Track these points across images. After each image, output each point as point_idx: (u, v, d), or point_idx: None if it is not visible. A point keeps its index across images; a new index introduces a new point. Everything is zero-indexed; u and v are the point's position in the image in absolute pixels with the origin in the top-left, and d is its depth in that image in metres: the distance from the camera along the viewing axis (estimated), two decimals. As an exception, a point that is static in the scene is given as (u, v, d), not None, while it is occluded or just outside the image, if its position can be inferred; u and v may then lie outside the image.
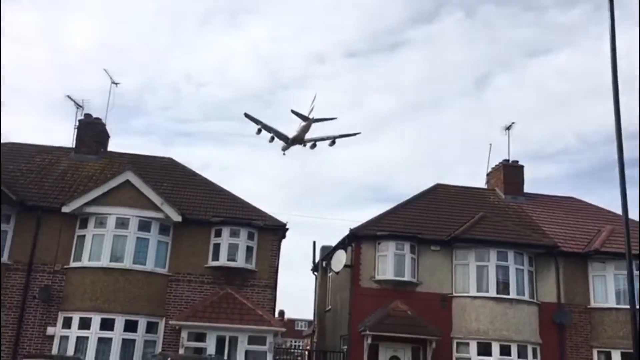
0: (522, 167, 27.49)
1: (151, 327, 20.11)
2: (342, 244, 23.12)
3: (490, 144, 30.73)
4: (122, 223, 20.30)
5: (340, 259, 22.64)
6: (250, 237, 21.25)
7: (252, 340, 19.48)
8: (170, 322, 19.82)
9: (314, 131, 36.47)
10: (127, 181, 20.72)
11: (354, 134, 36.32)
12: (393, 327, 20.57)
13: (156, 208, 20.57)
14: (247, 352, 19.36)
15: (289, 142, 36.80)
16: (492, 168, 28.33)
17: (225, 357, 18.84)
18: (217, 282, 20.67)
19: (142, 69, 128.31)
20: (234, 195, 23.45)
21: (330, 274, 25.73)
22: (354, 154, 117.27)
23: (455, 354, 21.05)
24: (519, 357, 20.98)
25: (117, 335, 19.35)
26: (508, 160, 27.60)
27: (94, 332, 19.25)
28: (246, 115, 35.49)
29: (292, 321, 71.49)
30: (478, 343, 20.88)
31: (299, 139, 36.48)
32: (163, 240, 20.91)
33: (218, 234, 21.07)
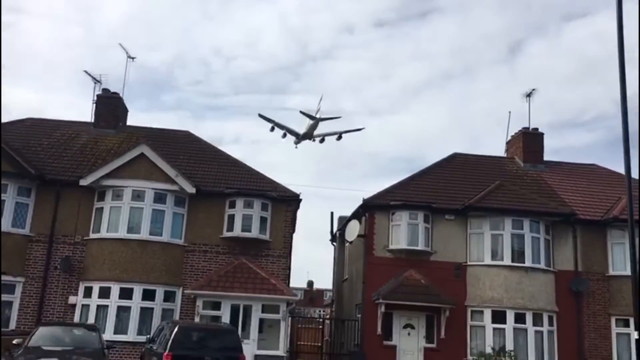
0: (541, 134, 26.99)
1: (169, 296, 20.65)
2: (356, 214, 23.42)
3: (510, 112, 30.46)
4: (137, 195, 20.72)
5: (353, 229, 22.78)
6: (264, 208, 21.57)
7: (265, 309, 19.95)
8: (186, 292, 20.22)
9: (322, 127, 41.60)
10: (142, 154, 21.09)
11: (359, 130, 40.26)
12: (407, 295, 20.77)
13: (171, 180, 20.93)
14: (261, 320, 19.89)
15: (299, 138, 41.76)
16: (512, 136, 27.96)
17: (240, 325, 19.49)
18: (231, 252, 21.10)
19: (172, 44, 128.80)
20: (249, 167, 23.75)
21: (347, 244, 25.78)
22: (385, 125, 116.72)
23: (469, 322, 21.28)
24: (534, 324, 21.11)
25: (135, 303, 20.00)
26: (528, 128, 27.10)
27: (114, 301, 19.90)
28: (260, 115, 38.51)
29: (321, 291, 72.08)
30: (492, 311, 20.98)
31: (309, 135, 41.30)
32: (178, 212, 21.31)
33: (232, 205, 21.45)
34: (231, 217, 21.33)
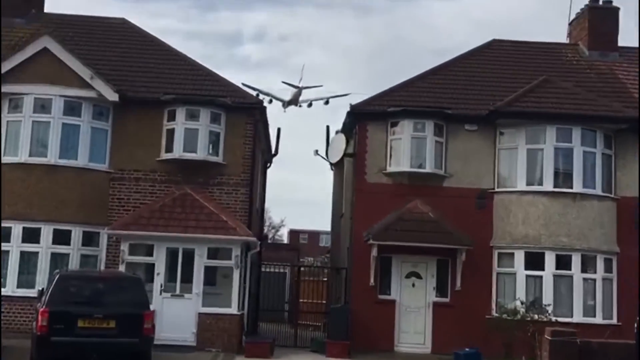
0: (615, 10, 25.61)
1: (90, 239, 20.64)
2: (345, 128, 23.41)
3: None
4: (42, 105, 20.41)
5: (337, 145, 22.78)
6: (215, 119, 21.23)
7: (214, 254, 19.82)
8: (103, 231, 20.14)
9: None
10: (46, 50, 20.58)
11: (345, 95, 46.72)
12: (409, 234, 20.61)
13: (86, 85, 20.53)
14: (211, 269, 19.82)
15: (284, 105, 53.11)
16: (576, 14, 26.82)
17: (179, 275, 19.51)
18: (173, 181, 21.06)
19: None
20: (200, 66, 23.36)
21: (345, 168, 25.49)
22: (464, 9, 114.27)
23: (495, 268, 21.26)
24: (583, 271, 20.88)
25: (44, 249, 20.01)
26: (597, 1, 25.84)
27: (15, 246, 19.89)
28: (244, 84, 44.31)
29: (316, 234, 72.90)
30: (526, 253, 20.94)
31: (294, 101, 52.94)
32: (99, 126, 21.06)
33: (172, 117, 21.14)
34: (170, 133, 21.05)
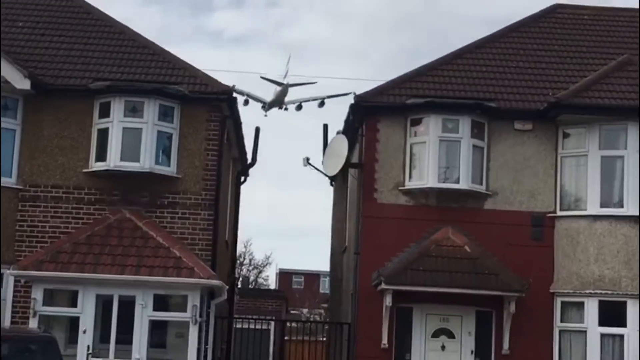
0: None
1: (-11, 281, 20.14)
2: (348, 127, 23.57)
3: None
4: None
5: (337, 153, 22.67)
6: (166, 115, 21.25)
7: (162, 304, 19.86)
8: (8, 272, 19.93)
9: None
10: None
11: (346, 94, 45.03)
12: (435, 275, 20.49)
13: (-14, 69, 20.16)
14: (154, 325, 19.73)
15: (265, 107, 54.29)
16: None
17: (113, 332, 19.29)
18: (107, 201, 21.06)
19: None
20: (149, 42, 23.62)
21: (349, 185, 25.46)
22: None
23: (558, 323, 21.23)
24: None
25: None
26: None
27: None
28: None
29: (314, 276, 74.38)
30: (601, 302, 20.87)
31: (278, 103, 53.82)
32: (4, 125, 20.79)
33: (105, 111, 21.13)
34: (103, 135, 21.06)
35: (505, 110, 21.71)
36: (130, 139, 20.93)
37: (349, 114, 22.86)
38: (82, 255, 19.65)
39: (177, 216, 21.15)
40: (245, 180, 27.63)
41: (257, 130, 25.88)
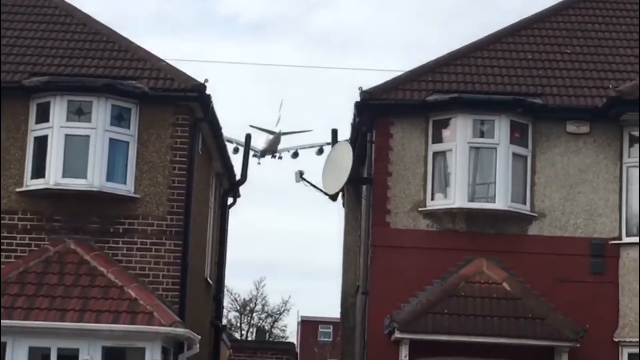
0: None
1: None
2: (354, 131, 23.52)
3: None
4: None
5: (339, 164, 22.10)
6: (120, 119, 21.14)
7: (112, 358, 19.64)
8: None
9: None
10: None
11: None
12: (465, 321, 20.18)
13: None
14: None
15: (259, 155, 60.19)
16: None
17: None
18: (45, 228, 20.91)
19: None
20: (104, 28, 23.45)
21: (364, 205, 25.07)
22: None
23: None
24: None
25: None
26: None
27: None
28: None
29: (314, 324, 76.33)
30: None
31: (271, 151, 60.13)
32: None
33: (44, 115, 20.95)
34: (41, 144, 20.88)
35: (554, 109, 21.54)
36: (75, 149, 20.79)
37: (355, 114, 22.79)
38: (12, 298, 19.41)
39: (136, 247, 20.89)
40: (235, 202, 27.58)
41: (247, 138, 25.87)
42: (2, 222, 20.79)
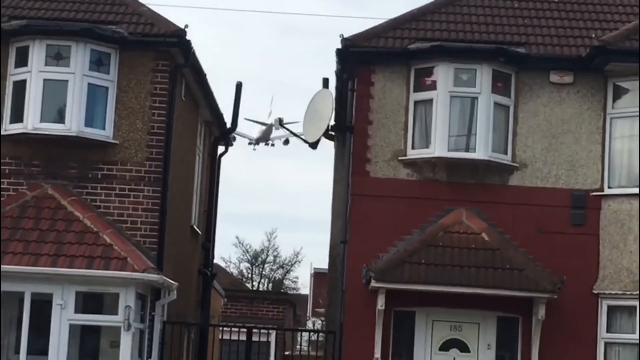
0: None
1: None
2: (339, 78, 23.38)
3: None
4: None
5: (319, 112, 22.17)
6: (99, 64, 21.11)
7: (89, 304, 19.73)
8: None
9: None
10: None
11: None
12: (444, 271, 20.18)
13: None
14: (77, 331, 19.72)
15: (254, 143, 66.20)
16: None
17: (24, 340, 19.11)
18: (23, 173, 21.01)
19: None
20: None
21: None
22: None
23: (603, 334, 20.76)
24: None
25: None
26: None
27: None
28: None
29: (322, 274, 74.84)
30: None
31: (264, 140, 66.34)
32: None
33: (22, 59, 20.97)
34: (20, 89, 20.88)
35: (537, 58, 21.36)
36: (54, 94, 20.80)
37: (337, 63, 22.69)
38: None
39: (114, 193, 20.97)
40: (226, 150, 27.53)
41: (239, 86, 25.66)
42: (-19, 167, 21.17)
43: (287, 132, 59.72)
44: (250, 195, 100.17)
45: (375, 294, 19.96)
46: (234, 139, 56.69)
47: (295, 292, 72.90)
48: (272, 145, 67.63)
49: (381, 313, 19.96)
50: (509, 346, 20.76)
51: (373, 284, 19.78)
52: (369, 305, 20.23)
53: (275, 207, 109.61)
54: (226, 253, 79.59)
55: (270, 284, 78.83)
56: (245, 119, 62.97)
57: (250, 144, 66.35)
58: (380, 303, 19.84)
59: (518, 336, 20.64)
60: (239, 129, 49.05)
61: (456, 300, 20.11)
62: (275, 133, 66.62)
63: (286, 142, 67.42)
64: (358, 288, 20.62)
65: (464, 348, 20.63)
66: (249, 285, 73.93)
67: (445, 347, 20.64)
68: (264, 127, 65.20)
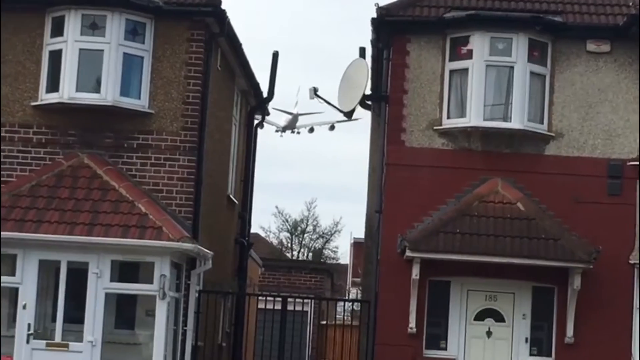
0: None
1: None
2: (373, 48, 23.22)
3: None
4: None
5: (354, 81, 22.13)
6: (134, 34, 21.02)
7: (125, 273, 19.72)
8: None
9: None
10: None
11: (355, 119, 48.38)
12: (479, 241, 20.15)
13: None
14: (113, 299, 19.74)
15: (281, 130, 68.06)
16: None
17: (61, 308, 19.19)
18: (59, 142, 20.98)
19: None
20: None
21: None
22: None
23: (638, 303, 20.65)
24: None
25: None
26: None
27: None
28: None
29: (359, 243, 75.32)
30: None
31: (290, 127, 68.37)
32: None
33: (58, 29, 20.86)
34: (56, 59, 20.79)
35: (574, 27, 21.21)
36: (89, 63, 20.69)
37: (372, 33, 22.55)
38: (23, 211, 19.50)
39: (149, 162, 20.94)
40: (263, 119, 27.80)
41: (275, 56, 25.46)
42: (18, 135, 21.00)
43: (315, 111, 61.36)
44: (290, 164, 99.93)
45: (410, 263, 19.99)
46: (269, 113, 58.42)
47: (334, 261, 72.66)
48: (298, 133, 70.10)
49: (416, 283, 20.01)
50: (544, 316, 20.69)
51: (408, 253, 19.84)
52: (404, 274, 20.25)
53: (316, 176, 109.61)
54: (266, 223, 79.01)
55: (310, 254, 78.79)
56: (273, 108, 63.09)
57: (277, 131, 68.27)
58: (415, 273, 19.90)
59: (553, 306, 20.60)
60: (268, 117, 50.57)
61: (491, 270, 20.10)
62: (301, 121, 68.30)
63: (311, 130, 69.80)
64: (393, 258, 20.64)
65: (499, 318, 20.64)
66: (288, 255, 73.90)
67: (480, 317, 20.67)
68: (290, 117, 67.17)
